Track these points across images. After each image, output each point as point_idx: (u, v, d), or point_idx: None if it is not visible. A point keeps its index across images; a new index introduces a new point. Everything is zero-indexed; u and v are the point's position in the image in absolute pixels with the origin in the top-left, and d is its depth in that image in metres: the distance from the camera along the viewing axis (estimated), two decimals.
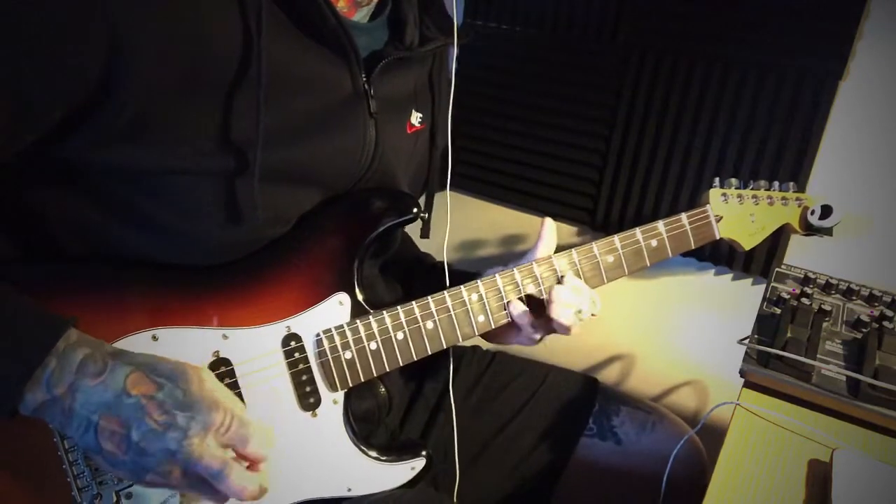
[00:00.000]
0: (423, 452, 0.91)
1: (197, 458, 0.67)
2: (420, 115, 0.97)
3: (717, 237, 1.04)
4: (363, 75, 0.85)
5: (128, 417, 0.67)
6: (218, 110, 0.73)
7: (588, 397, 1.15)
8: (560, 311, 0.91)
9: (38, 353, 0.66)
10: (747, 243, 1.07)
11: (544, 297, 0.93)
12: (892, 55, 1.21)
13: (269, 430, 0.73)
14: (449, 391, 1.03)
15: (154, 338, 0.78)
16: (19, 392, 0.66)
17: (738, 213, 1.05)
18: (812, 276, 1.10)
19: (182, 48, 0.69)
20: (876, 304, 1.05)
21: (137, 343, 0.77)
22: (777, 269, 1.13)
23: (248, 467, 0.71)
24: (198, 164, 0.74)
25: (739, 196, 1.05)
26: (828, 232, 1.07)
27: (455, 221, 1.17)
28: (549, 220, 0.98)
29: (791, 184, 1.08)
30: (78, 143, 0.71)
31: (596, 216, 1.55)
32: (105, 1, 0.65)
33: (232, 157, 0.75)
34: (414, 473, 0.90)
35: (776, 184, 1.08)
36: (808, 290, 1.06)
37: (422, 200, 0.98)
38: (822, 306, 1.02)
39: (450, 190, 1.00)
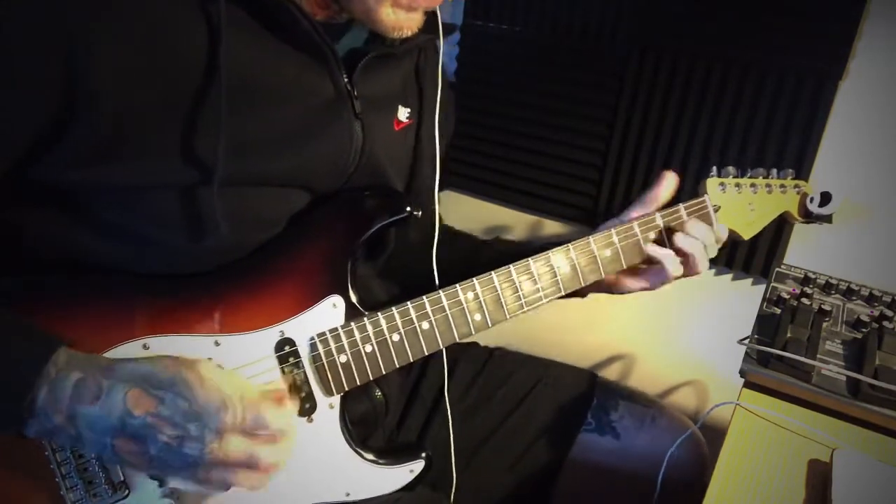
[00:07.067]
0: (422, 454, 0.90)
1: (221, 459, 0.67)
2: (408, 110, 0.96)
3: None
4: (344, 75, 0.83)
5: (140, 436, 0.66)
6: (187, 123, 0.72)
7: (586, 392, 1.14)
8: (686, 242, 0.96)
9: (25, 384, 0.66)
10: (746, 233, 1.05)
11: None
12: (892, 55, 1.21)
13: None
14: (445, 391, 1.03)
15: (145, 346, 0.77)
16: (12, 426, 0.67)
17: (736, 203, 1.03)
18: (812, 276, 1.09)
19: (151, 64, 0.68)
20: (876, 304, 1.05)
21: (128, 352, 0.75)
22: (777, 269, 1.12)
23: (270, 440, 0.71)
24: (170, 177, 0.73)
25: (738, 185, 1.03)
26: (827, 219, 1.05)
27: (455, 221, 1.17)
28: (671, 175, 1.00)
29: (790, 171, 1.06)
30: (51, 165, 0.71)
31: (596, 216, 1.55)
32: (69, 24, 0.64)
33: (200, 169, 0.74)
34: (413, 476, 0.90)
35: (774, 171, 1.06)
36: (808, 290, 1.05)
37: None
38: (822, 306, 1.02)
39: (445, 190, 0.98)
